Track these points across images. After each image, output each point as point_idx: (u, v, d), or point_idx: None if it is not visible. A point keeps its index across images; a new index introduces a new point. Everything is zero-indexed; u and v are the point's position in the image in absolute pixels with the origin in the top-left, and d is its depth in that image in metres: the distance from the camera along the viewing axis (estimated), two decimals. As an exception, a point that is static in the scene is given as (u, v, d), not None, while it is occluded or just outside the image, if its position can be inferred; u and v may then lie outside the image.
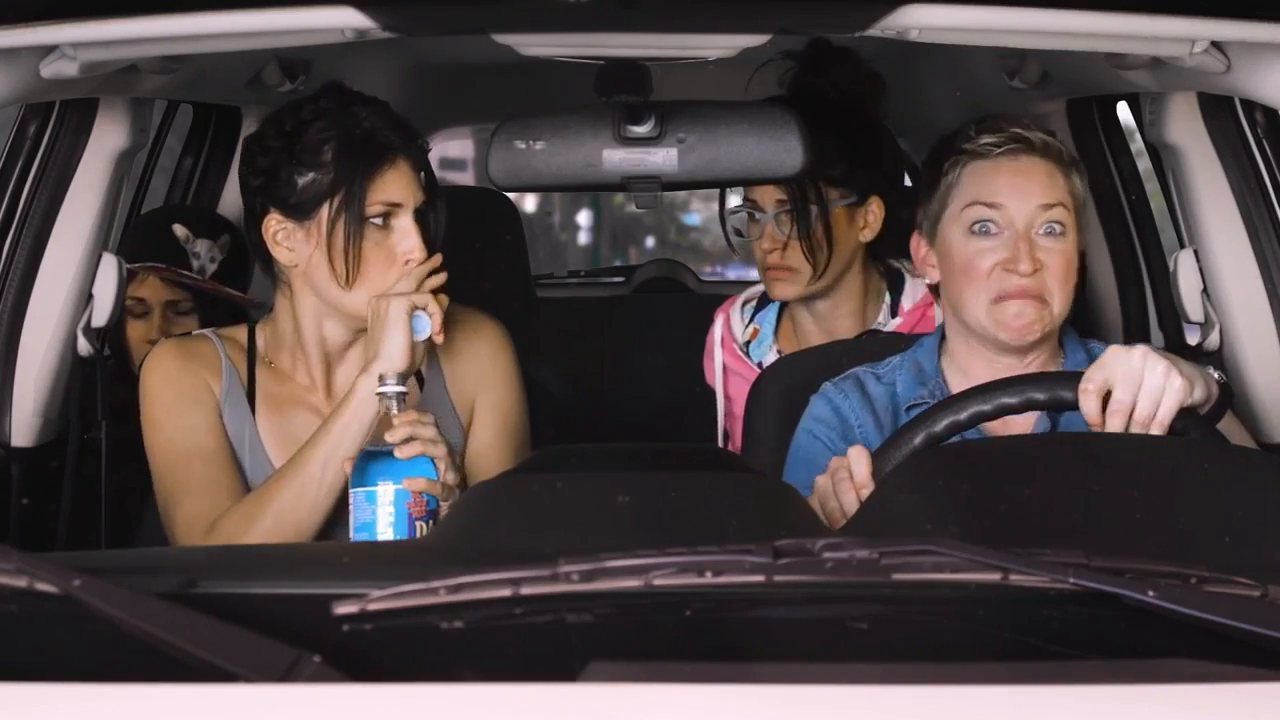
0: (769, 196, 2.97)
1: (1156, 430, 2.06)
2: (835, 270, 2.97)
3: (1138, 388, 2.07)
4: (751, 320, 3.12)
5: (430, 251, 2.41)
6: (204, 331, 2.55)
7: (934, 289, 2.53)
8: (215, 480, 2.41)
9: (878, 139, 3.08)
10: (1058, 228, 2.34)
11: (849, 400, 2.46)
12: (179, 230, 3.29)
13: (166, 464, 2.44)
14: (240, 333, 2.54)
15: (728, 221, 3.17)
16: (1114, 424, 2.06)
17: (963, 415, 2.11)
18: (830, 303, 3.02)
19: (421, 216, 2.41)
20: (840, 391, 2.47)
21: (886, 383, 2.48)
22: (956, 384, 2.42)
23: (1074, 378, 2.13)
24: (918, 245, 2.47)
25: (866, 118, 3.08)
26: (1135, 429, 2.06)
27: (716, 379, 3.12)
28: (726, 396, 3.11)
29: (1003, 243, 2.34)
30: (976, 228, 2.36)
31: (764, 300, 3.12)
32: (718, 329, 3.13)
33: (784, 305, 3.09)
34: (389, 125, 2.41)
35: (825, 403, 2.47)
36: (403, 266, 2.37)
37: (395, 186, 2.38)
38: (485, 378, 2.54)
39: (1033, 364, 2.40)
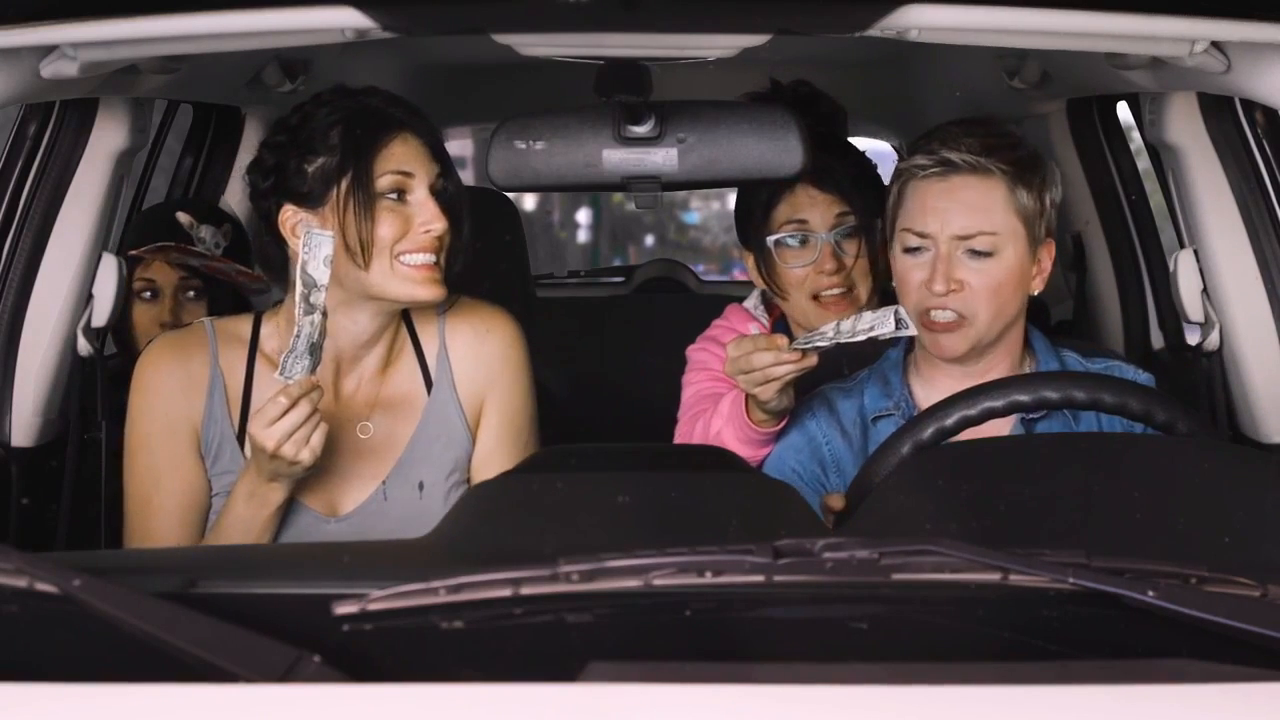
0: (821, 214, 2.75)
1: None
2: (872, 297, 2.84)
3: None
4: None
5: (456, 227, 2.39)
6: (202, 322, 2.47)
7: None
8: (178, 512, 2.39)
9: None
10: (981, 252, 2.36)
11: (816, 419, 2.48)
12: (183, 218, 3.28)
13: (136, 483, 2.42)
14: (243, 325, 2.47)
15: (770, 253, 2.78)
16: None
17: (949, 421, 2.14)
18: None
19: (441, 192, 2.39)
20: (808, 411, 2.49)
21: (854, 397, 2.49)
22: (921, 394, 2.45)
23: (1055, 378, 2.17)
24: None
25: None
26: None
27: None
28: None
29: (927, 261, 2.37)
30: (908, 246, 2.40)
31: None
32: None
33: None
34: (393, 103, 2.41)
35: (793, 425, 2.48)
36: (421, 236, 2.35)
37: (404, 158, 2.36)
38: (495, 380, 2.51)
39: (990, 373, 2.40)
